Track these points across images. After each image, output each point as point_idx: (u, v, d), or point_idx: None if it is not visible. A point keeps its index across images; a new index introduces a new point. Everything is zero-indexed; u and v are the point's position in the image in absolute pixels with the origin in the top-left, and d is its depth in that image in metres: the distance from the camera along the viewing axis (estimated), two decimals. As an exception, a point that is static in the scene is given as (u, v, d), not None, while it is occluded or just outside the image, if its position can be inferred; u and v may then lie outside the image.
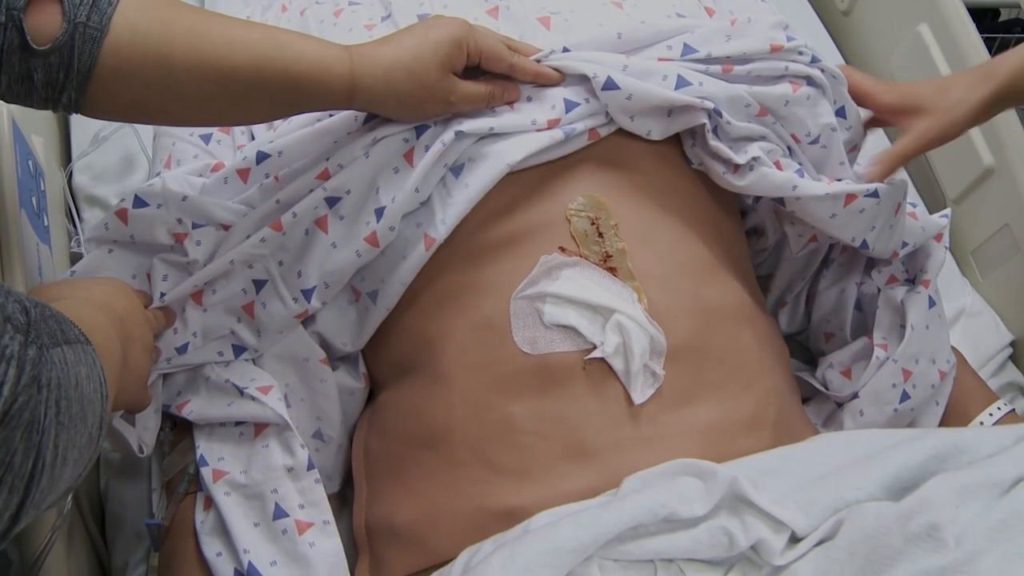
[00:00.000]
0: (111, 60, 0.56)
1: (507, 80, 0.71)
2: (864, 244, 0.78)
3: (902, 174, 1.03)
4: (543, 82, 0.71)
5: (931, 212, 0.95)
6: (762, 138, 0.74)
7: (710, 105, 0.71)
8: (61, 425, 0.39)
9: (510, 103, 0.71)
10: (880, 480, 0.54)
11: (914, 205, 0.88)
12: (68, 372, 0.40)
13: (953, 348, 0.85)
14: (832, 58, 1.12)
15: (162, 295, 0.68)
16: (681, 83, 0.71)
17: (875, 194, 0.75)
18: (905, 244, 0.82)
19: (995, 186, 1.02)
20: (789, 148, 0.77)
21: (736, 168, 0.73)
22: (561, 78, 0.72)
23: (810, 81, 0.77)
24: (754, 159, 0.72)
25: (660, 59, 0.74)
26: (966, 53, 1.04)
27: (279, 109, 0.66)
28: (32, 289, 0.63)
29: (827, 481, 0.54)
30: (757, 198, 0.83)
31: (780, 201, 0.76)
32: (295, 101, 0.65)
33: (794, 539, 0.52)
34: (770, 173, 0.72)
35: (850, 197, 0.74)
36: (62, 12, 0.55)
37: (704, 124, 0.72)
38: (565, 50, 0.73)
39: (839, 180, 0.77)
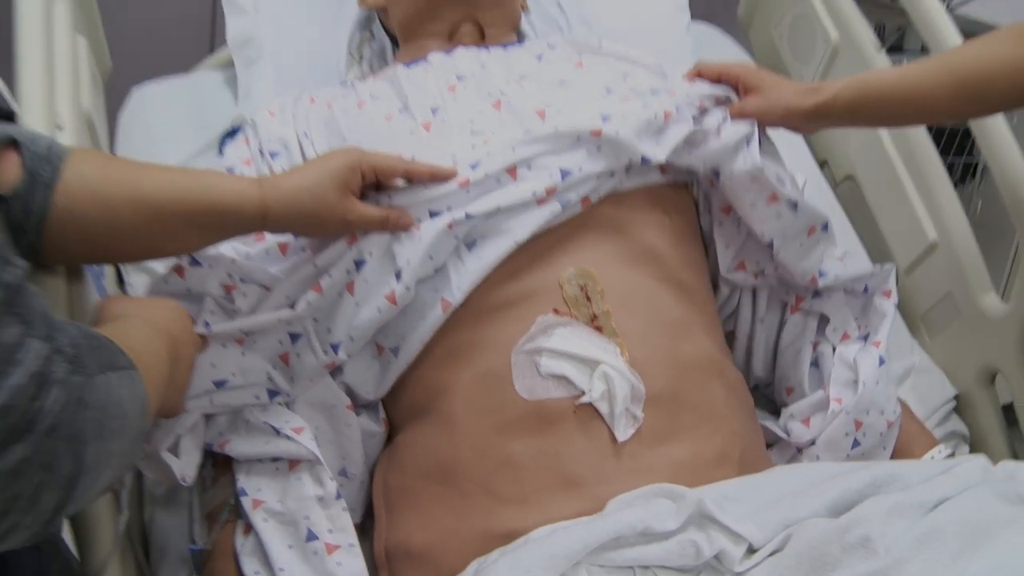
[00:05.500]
0: (61, 201, 0.65)
1: (405, 214, 0.80)
2: (771, 245, 0.91)
3: (847, 232, 1.17)
4: (440, 178, 0.82)
5: None
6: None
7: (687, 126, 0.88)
8: (101, 438, 0.46)
9: (405, 228, 0.80)
10: (824, 502, 0.64)
11: (845, 252, 1.00)
12: (111, 394, 0.48)
13: (899, 399, 0.97)
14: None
15: (207, 324, 0.79)
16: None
17: (794, 207, 0.90)
18: (823, 274, 0.95)
19: (939, 259, 1.14)
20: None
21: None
22: (454, 173, 0.82)
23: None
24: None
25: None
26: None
27: (206, 236, 0.76)
28: (106, 299, 0.73)
29: (780, 503, 0.65)
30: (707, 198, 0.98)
31: (716, 175, 0.90)
32: (217, 227, 0.74)
33: (751, 550, 0.63)
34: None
35: (774, 196, 0.89)
36: (22, 164, 0.64)
37: (691, 132, 0.88)
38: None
39: None
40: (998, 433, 1.08)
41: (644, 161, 0.86)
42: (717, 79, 0.96)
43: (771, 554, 0.62)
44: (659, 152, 0.86)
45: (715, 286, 0.99)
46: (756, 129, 0.92)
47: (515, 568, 0.58)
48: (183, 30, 1.69)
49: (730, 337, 1.01)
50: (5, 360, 0.38)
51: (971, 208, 1.55)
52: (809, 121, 0.94)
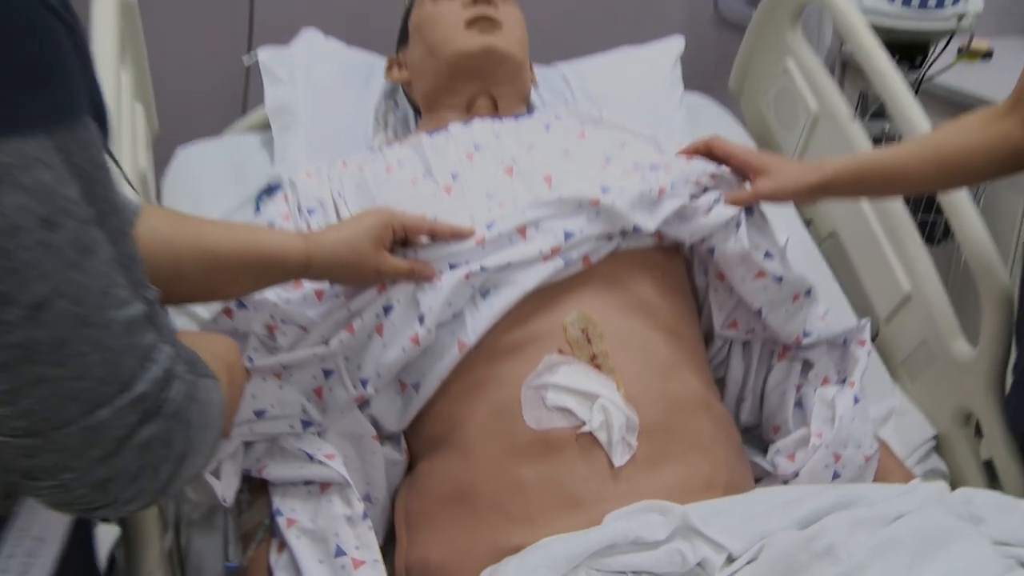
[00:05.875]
0: None
1: (429, 267, 0.92)
2: (760, 312, 1.01)
3: (831, 285, 1.27)
4: (459, 236, 0.93)
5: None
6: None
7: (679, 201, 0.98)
8: (200, 428, 0.55)
9: (428, 278, 0.91)
10: (795, 517, 0.73)
11: (827, 311, 1.09)
12: (208, 395, 0.57)
13: (878, 437, 1.05)
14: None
15: (250, 359, 0.89)
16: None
17: (780, 280, 1.00)
18: (807, 334, 1.04)
19: (913, 309, 1.24)
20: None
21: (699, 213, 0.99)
22: (471, 232, 0.93)
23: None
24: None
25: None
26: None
27: (257, 282, 0.87)
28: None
29: (757, 518, 0.74)
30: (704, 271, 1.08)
31: (711, 251, 1.00)
32: (267, 274, 0.86)
33: (730, 559, 0.71)
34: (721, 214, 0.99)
35: (761, 273, 0.99)
36: None
37: (681, 207, 0.97)
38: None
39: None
40: (975, 471, 1.17)
41: (636, 230, 0.97)
42: (724, 160, 1.06)
43: (748, 562, 0.70)
44: (651, 223, 0.97)
45: (709, 338, 1.09)
46: (743, 213, 1.03)
47: (522, 569, 0.67)
48: (217, 95, 1.83)
49: (722, 383, 1.10)
50: (145, 358, 0.48)
51: (953, 262, 1.65)
52: (812, 197, 1.05)
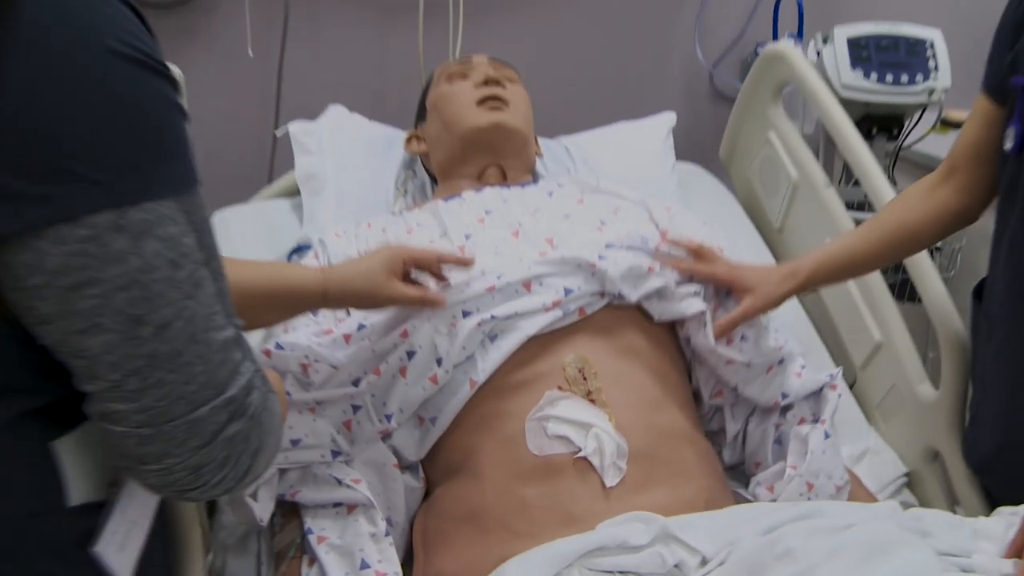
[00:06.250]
0: None
1: (437, 295, 1.04)
2: (736, 388, 1.14)
3: (812, 335, 1.39)
4: (464, 264, 1.06)
5: (846, 377, 1.31)
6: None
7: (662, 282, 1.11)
8: (268, 431, 0.65)
9: (435, 306, 1.04)
10: (761, 526, 0.84)
11: (803, 366, 1.21)
12: (274, 406, 0.68)
13: (850, 471, 1.16)
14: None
15: (288, 393, 1.02)
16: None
17: (748, 364, 1.12)
18: (786, 396, 1.16)
19: (884, 357, 1.36)
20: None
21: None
22: (472, 262, 1.06)
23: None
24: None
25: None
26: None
27: (283, 313, 1.00)
28: None
29: (727, 528, 0.85)
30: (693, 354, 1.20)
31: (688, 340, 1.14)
32: (291, 305, 0.99)
33: (704, 562, 0.82)
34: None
35: (729, 361, 1.11)
36: None
37: (662, 287, 1.10)
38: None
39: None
40: (944, 506, 1.27)
41: (620, 297, 1.10)
42: (706, 281, 1.19)
43: (719, 564, 0.81)
44: (633, 294, 1.11)
45: (699, 401, 1.21)
46: (709, 312, 1.16)
47: (523, 565, 0.78)
48: (245, 164, 1.98)
49: (713, 434, 1.22)
50: (234, 371, 0.60)
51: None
52: (788, 297, 1.19)
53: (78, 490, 0.63)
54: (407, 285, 1.03)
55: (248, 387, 0.61)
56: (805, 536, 0.81)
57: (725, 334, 1.14)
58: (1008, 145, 1.06)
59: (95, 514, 0.64)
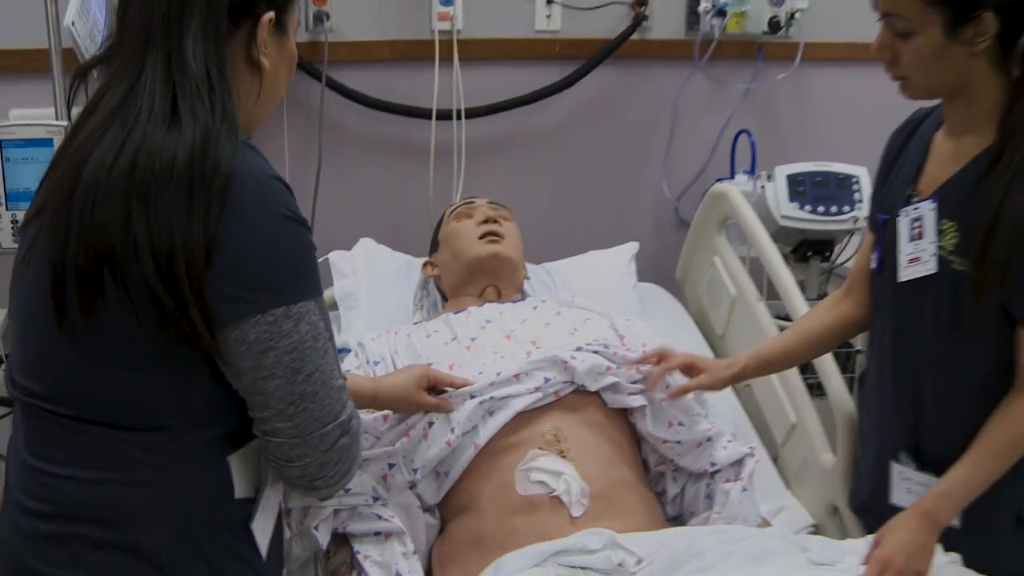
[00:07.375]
0: None
1: (448, 404, 1.42)
2: (673, 460, 1.50)
3: (743, 419, 1.76)
4: (463, 386, 1.43)
5: (770, 453, 1.68)
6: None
7: (615, 379, 1.48)
8: (359, 448, 1.00)
9: (448, 411, 1.41)
10: (681, 538, 1.20)
11: (729, 440, 1.58)
12: (360, 432, 1.02)
13: (764, 519, 1.51)
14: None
15: None
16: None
17: (679, 443, 1.49)
18: (714, 464, 1.52)
19: (798, 436, 1.73)
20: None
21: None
22: (472, 383, 1.43)
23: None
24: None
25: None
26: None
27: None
28: None
29: (658, 539, 1.21)
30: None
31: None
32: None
33: (639, 561, 1.17)
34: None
35: (665, 441, 1.49)
36: None
37: (615, 383, 1.47)
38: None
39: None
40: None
41: (584, 386, 1.49)
42: (679, 367, 1.53)
43: (649, 563, 1.17)
44: (593, 386, 1.49)
45: (648, 467, 1.57)
46: (648, 407, 1.51)
47: (513, 559, 1.14)
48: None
49: (659, 494, 1.57)
50: (344, 404, 0.97)
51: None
52: (732, 383, 1.57)
53: (240, 487, 1.00)
54: (429, 396, 1.42)
55: (351, 416, 0.99)
56: (712, 544, 1.17)
57: (678, 396, 1.50)
58: (873, 266, 1.43)
59: (249, 505, 1.01)
